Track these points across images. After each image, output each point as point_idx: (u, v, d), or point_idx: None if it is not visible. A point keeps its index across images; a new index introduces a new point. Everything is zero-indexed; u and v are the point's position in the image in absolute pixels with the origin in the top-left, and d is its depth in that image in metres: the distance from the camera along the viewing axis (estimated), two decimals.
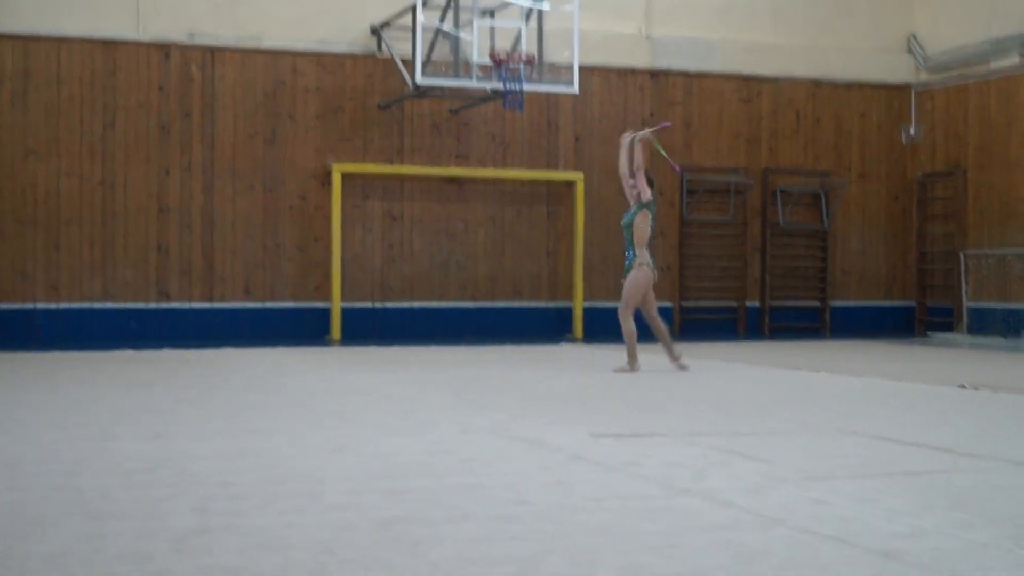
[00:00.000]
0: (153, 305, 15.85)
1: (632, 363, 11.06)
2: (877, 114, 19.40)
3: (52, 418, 7.62)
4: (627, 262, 11.08)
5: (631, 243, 10.97)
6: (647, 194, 10.91)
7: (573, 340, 16.62)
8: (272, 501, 4.86)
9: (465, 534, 4.32)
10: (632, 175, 10.95)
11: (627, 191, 11.07)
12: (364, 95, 16.72)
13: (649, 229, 10.94)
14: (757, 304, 18.67)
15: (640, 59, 18.06)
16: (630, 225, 10.95)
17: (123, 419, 7.56)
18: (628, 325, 11.04)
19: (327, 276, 16.39)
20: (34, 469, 5.61)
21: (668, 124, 12.18)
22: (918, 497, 5.08)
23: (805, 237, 19.06)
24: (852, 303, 19.23)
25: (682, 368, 11.20)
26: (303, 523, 4.45)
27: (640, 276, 10.89)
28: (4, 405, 8.36)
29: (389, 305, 16.77)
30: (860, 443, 6.73)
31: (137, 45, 15.82)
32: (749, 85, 18.67)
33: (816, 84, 19.02)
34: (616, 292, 17.92)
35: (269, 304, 16.32)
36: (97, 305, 15.61)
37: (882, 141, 19.43)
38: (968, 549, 4.14)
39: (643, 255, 10.90)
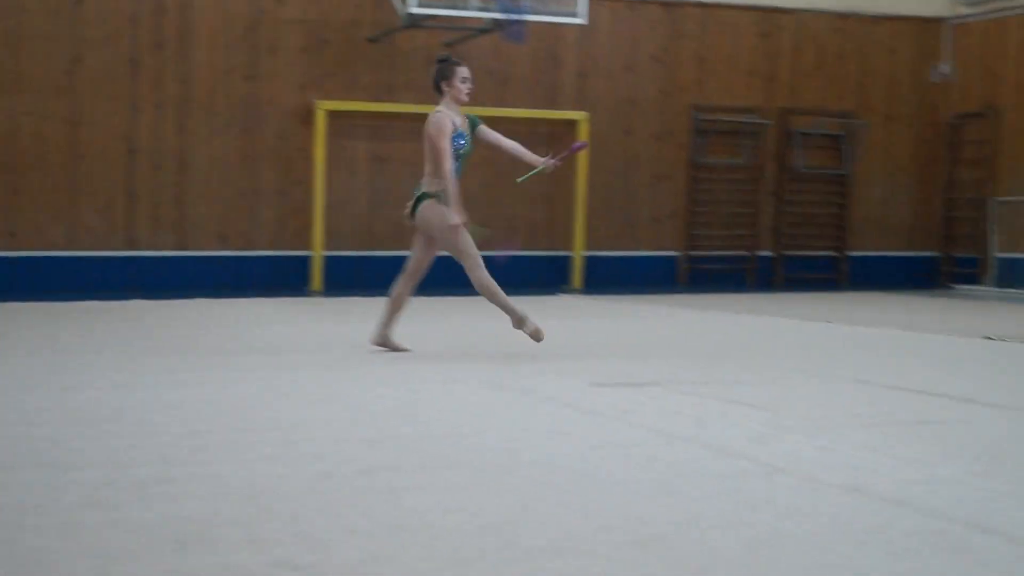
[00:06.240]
0: (120, 253, 15.82)
1: (522, 319, 8.57)
2: (906, 50, 19.29)
3: (10, 369, 7.64)
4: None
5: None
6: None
7: (571, 291, 16.61)
8: (243, 450, 4.88)
9: (448, 483, 4.34)
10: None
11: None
12: (352, 27, 16.62)
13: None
14: (770, 254, 18.66)
15: None
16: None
17: (85, 369, 7.57)
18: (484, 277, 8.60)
19: (308, 223, 16.36)
20: None
21: (581, 146, 9.76)
22: (934, 446, 5.10)
23: (823, 182, 19.01)
24: (872, 253, 19.21)
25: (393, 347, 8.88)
26: (276, 472, 4.47)
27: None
28: None
29: (375, 254, 16.75)
30: (873, 392, 6.76)
31: None
32: (768, 18, 18.56)
33: (840, 17, 18.92)
34: (618, 239, 18.01)
35: (246, 252, 16.29)
36: (60, 253, 15.59)
37: (910, 80, 19.33)
38: (987, 497, 4.17)
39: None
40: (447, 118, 8.46)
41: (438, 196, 8.49)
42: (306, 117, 16.39)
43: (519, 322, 8.56)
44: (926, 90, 19.38)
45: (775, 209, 18.70)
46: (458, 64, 8.62)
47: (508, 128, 17.15)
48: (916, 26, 19.29)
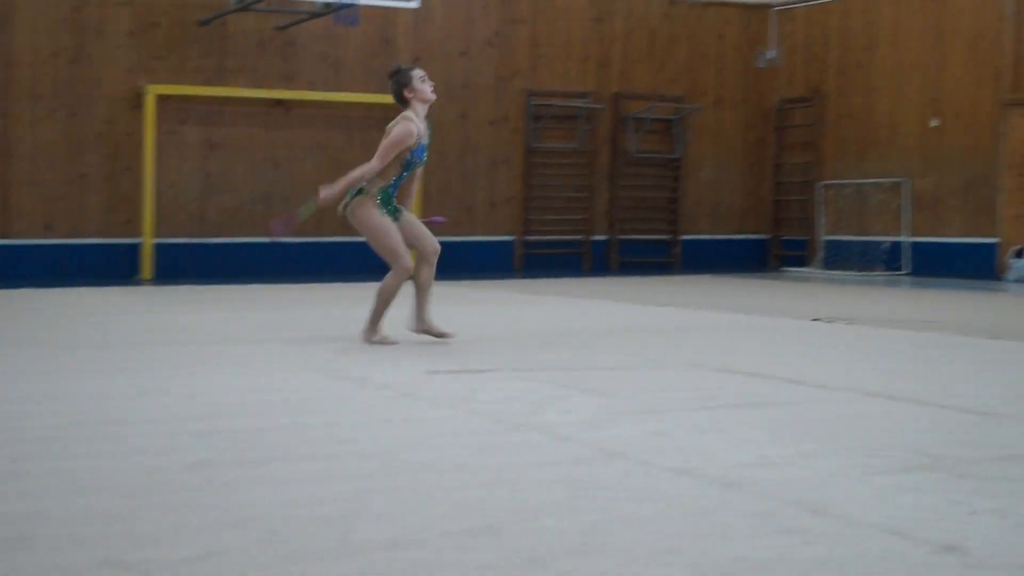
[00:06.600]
0: None
1: (375, 331, 8.47)
2: (734, 36, 19.68)
3: None
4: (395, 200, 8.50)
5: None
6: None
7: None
8: (67, 446, 4.74)
9: (280, 476, 4.27)
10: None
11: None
12: (181, 9, 16.31)
13: None
14: (604, 237, 18.87)
15: None
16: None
17: None
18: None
19: (137, 210, 16.02)
20: None
21: (441, 220, 9.60)
22: (765, 428, 5.19)
23: (656, 167, 19.29)
24: (704, 236, 19.58)
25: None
26: (102, 468, 4.34)
27: None
28: None
29: (206, 241, 16.47)
30: (705, 376, 6.87)
31: None
32: (600, 3, 18.73)
33: (671, 3, 19.19)
34: (454, 225, 17.98)
35: (72, 240, 15.90)
36: None
37: (739, 65, 19.73)
38: (816, 478, 4.25)
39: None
40: (414, 128, 8.25)
41: (385, 196, 8.30)
42: (135, 101, 16.04)
43: (372, 333, 8.38)
44: (754, 75, 19.80)
45: (609, 193, 18.92)
46: (411, 68, 8.51)
47: (343, 112, 17.09)
48: (743, 12, 19.68)
